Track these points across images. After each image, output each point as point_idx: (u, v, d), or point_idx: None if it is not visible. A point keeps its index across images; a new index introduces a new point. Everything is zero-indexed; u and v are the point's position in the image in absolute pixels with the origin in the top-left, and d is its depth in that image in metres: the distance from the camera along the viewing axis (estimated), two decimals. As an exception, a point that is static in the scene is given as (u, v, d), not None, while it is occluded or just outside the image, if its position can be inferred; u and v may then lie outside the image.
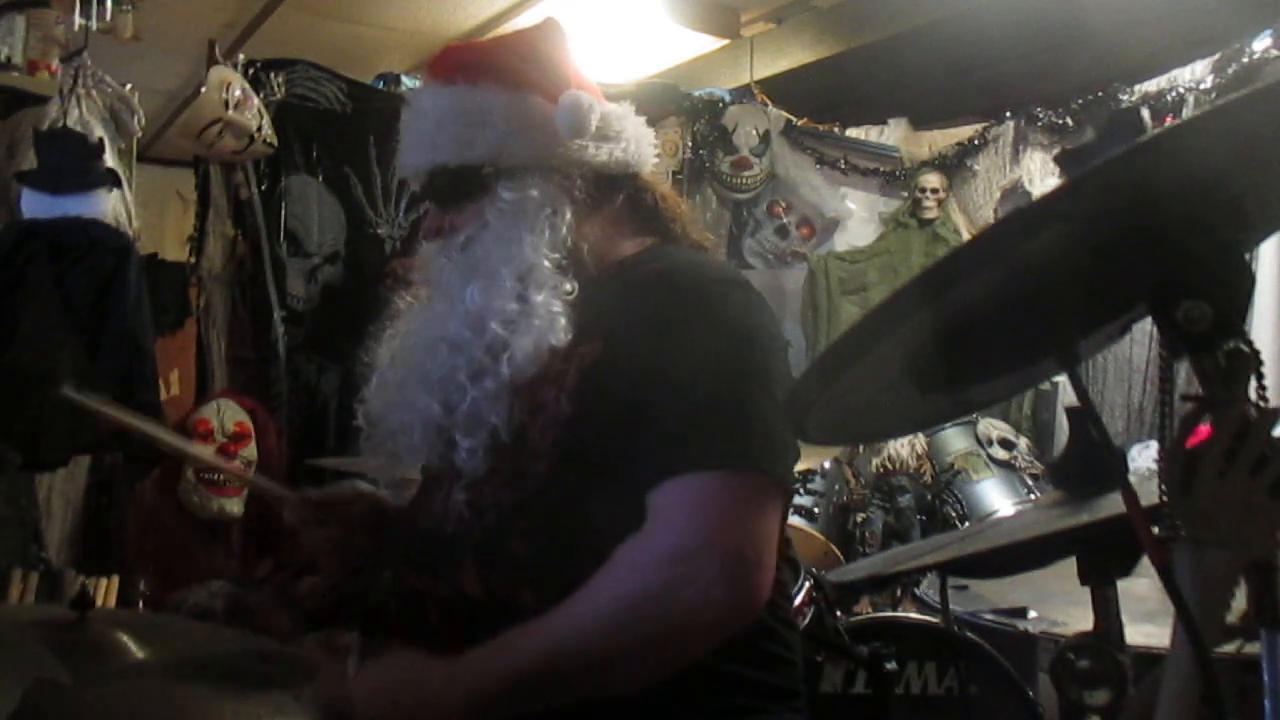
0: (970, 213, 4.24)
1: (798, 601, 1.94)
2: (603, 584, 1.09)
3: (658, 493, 1.11)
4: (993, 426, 3.50)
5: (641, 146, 1.35)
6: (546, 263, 1.25)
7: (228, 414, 2.93)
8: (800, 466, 2.31)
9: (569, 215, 1.28)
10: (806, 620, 1.92)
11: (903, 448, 3.69)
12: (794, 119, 4.33)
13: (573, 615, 1.09)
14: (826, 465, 3.31)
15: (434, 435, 1.26)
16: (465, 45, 1.39)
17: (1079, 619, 1.27)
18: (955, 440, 3.45)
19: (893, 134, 4.38)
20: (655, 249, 1.32)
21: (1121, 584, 0.88)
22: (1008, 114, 4.13)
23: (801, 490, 3.21)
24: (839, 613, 1.96)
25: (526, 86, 1.29)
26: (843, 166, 4.34)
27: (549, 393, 1.20)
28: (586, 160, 1.29)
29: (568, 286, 1.24)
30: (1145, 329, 3.11)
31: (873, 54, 4.20)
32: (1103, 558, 0.86)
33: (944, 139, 4.29)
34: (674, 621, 1.07)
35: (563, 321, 1.22)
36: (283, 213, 3.45)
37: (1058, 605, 2.04)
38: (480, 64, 1.31)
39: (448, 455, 1.25)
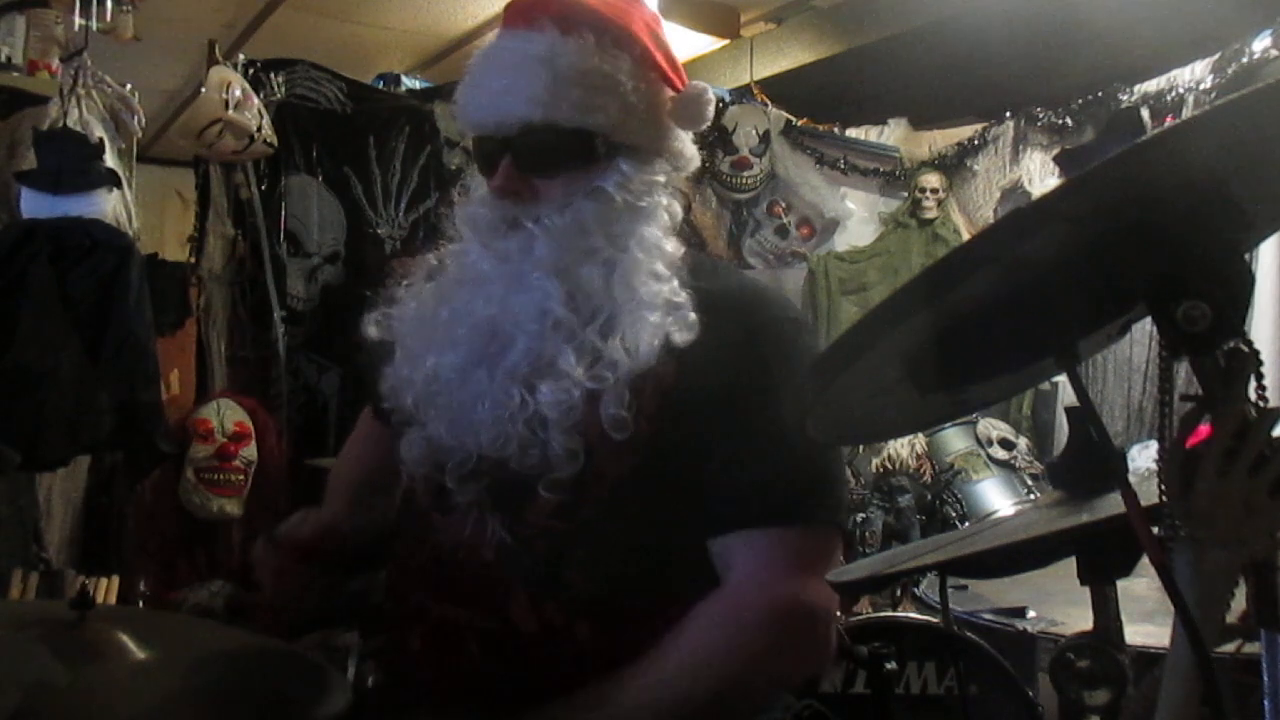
0: (970, 213, 4.24)
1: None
2: (702, 641, 1.09)
3: (738, 541, 1.12)
4: (993, 426, 3.49)
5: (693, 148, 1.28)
6: (671, 249, 1.18)
7: (228, 414, 2.94)
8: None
9: (676, 207, 1.22)
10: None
11: (903, 448, 3.68)
12: (794, 119, 4.33)
13: (675, 672, 1.08)
14: (826, 465, 3.30)
15: (514, 427, 1.12)
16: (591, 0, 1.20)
17: (1078, 619, 1.27)
18: (955, 440, 3.44)
19: (893, 134, 4.38)
20: (703, 260, 1.26)
21: (1121, 584, 0.88)
22: (1008, 114, 4.13)
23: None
24: (839, 613, 1.96)
25: (652, 63, 1.20)
26: (843, 166, 4.34)
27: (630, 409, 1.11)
28: (684, 153, 1.24)
29: (680, 281, 1.17)
30: (1145, 329, 3.11)
31: (873, 54, 4.20)
32: (1102, 558, 0.86)
33: (944, 139, 4.29)
34: (775, 678, 1.15)
35: (690, 318, 1.14)
36: (283, 213, 3.45)
37: (1057, 605, 2.04)
38: (610, 26, 1.17)
39: (527, 451, 1.12)
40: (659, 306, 1.14)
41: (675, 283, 1.16)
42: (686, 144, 1.24)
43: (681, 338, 1.13)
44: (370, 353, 1.28)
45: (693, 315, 1.14)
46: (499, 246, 1.18)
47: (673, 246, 1.19)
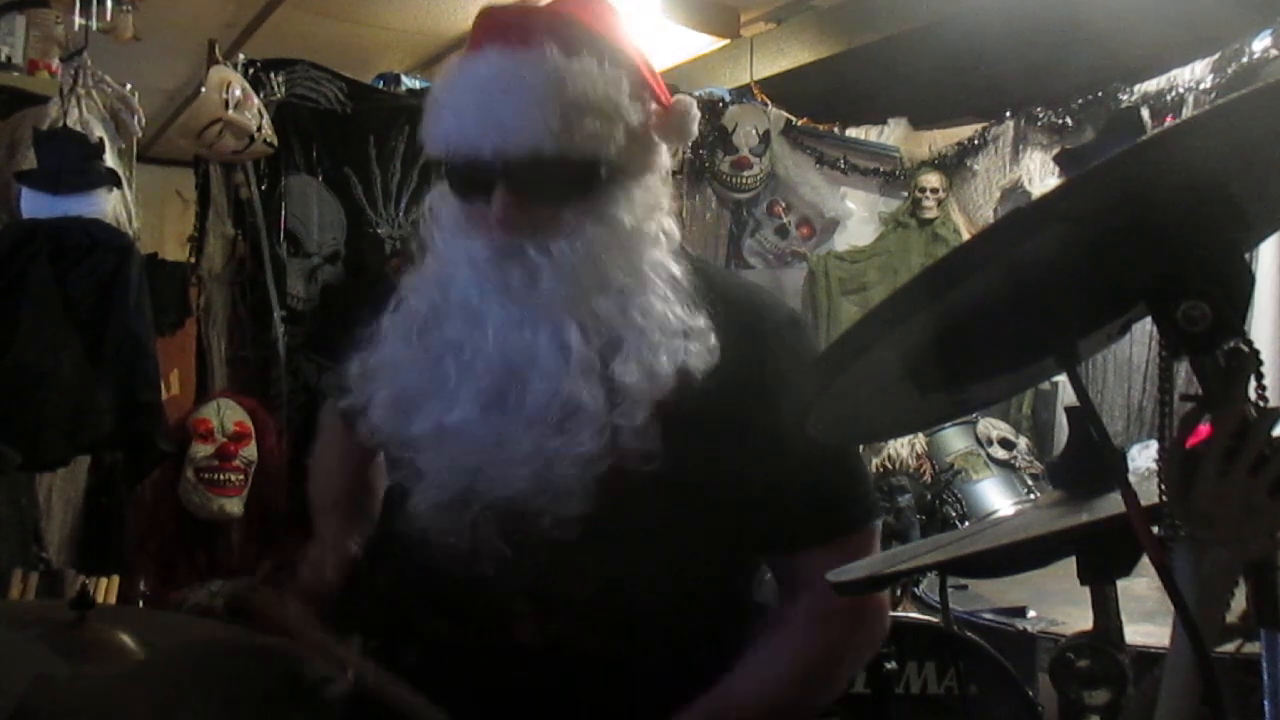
0: (970, 213, 4.24)
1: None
2: (812, 643, 1.18)
3: (818, 554, 1.17)
4: (993, 426, 3.50)
5: None
6: (677, 271, 1.17)
7: (228, 414, 2.93)
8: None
9: (674, 228, 1.20)
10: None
11: (903, 448, 3.68)
12: (794, 119, 4.33)
13: (790, 673, 1.16)
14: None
15: (536, 469, 1.09)
16: (578, 12, 1.14)
17: (1078, 618, 1.27)
18: (955, 440, 3.45)
19: (893, 134, 4.39)
20: (703, 264, 1.26)
21: (1121, 584, 0.88)
22: (1008, 114, 4.13)
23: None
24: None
25: (644, 81, 1.16)
26: (843, 166, 4.34)
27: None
28: (666, 165, 1.22)
29: (690, 301, 1.16)
30: (1145, 329, 3.11)
31: (873, 54, 4.20)
32: (1102, 557, 0.86)
33: (944, 139, 4.30)
34: (856, 668, 1.29)
35: (711, 341, 1.13)
36: (283, 213, 3.45)
37: (1057, 605, 2.04)
38: (605, 44, 1.12)
39: (544, 490, 1.09)
40: (677, 331, 1.12)
41: (686, 305, 1.15)
42: (666, 155, 1.22)
43: (701, 361, 1.12)
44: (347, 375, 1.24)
45: (713, 339, 1.13)
46: (495, 278, 1.12)
47: (678, 268, 1.17)
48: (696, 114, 1.21)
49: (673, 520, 1.13)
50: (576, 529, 1.10)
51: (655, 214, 1.17)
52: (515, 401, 1.10)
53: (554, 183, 1.10)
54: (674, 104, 1.19)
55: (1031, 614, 2.05)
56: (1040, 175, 4.01)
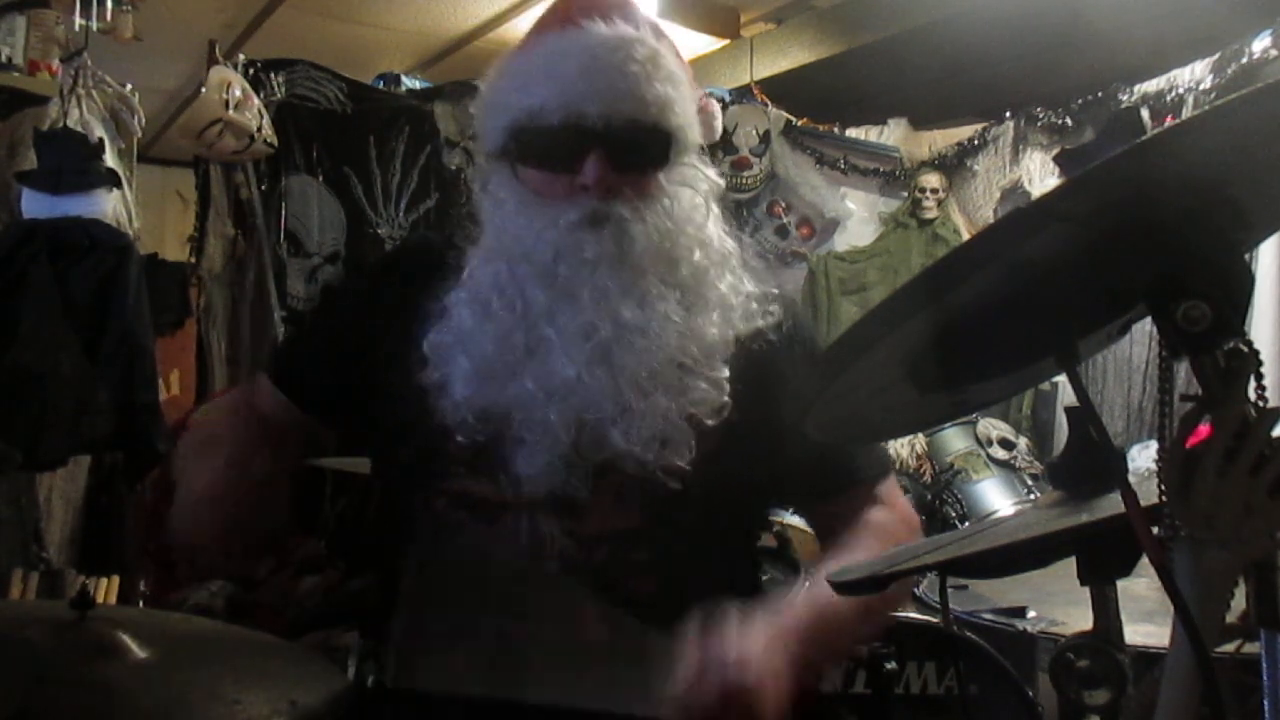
0: (970, 213, 4.23)
1: (798, 602, 1.94)
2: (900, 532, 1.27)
3: (882, 489, 1.30)
4: (993, 426, 3.49)
5: None
6: (733, 244, 1.28)
7: (228, 414, 2.93)
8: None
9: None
10: (806, 620, 1.92)
11: (903, 448, 3.68)
12: (794, 119, 4.33)
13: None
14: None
15: (653, 413, 1.13)
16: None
17: (1079, 619, 1.27)
18: (955, 440, 3.44)
19: (893, 134, 4.38)
20: None
21: (1121, 584, 0.88)
22: (1008, 114, 4.12)
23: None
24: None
25: (693, 81, 1.27)
26: (843, 166, 4.33)
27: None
28: None
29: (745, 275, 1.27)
30: (1145, 329, 3.10)
31: (873, 54, 4.20)
32: (1102, 558, 0.86)
33: (944, 139, 4.29)
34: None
35: (775, 308, 1.25)
36: (283, 213, 3.45)
37: (1057, 605, 2.04)
38: (673, 44, 1.27)
39: (661, 434, 1.13)
40: (748, 296, 1.23)
41: (748, 275, 1.25)
42: None
43: (760, 327, 1.23)
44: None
45: (775, 306, 1.24)
46: (590, 240, 1.14)
47: (732, 243, 1.27)
48: (720, 119, 1.35)
49: (713, 508, 1.18)
50: (676, 479, 1.13)
51: (715, 194, 1.27)
52: (619, 360, 1.13)
53: (647, 149, 1.17)
54: (709, 106, 1.31)
55: (1031, 614, 2.04)
56: (1040, 175, 4.00)
